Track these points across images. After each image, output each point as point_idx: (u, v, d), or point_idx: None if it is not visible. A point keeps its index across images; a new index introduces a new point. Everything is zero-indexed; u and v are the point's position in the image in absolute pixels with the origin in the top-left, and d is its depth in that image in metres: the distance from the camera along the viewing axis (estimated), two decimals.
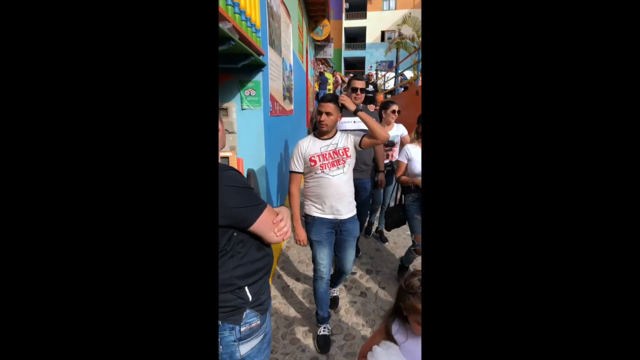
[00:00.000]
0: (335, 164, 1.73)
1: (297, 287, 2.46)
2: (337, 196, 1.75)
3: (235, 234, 0.93)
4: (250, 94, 2.35)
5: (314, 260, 1.86)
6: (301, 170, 1.80)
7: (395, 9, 24.25)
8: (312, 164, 1.73)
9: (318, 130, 1.78)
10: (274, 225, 0.96)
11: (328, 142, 1.76)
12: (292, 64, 3.97)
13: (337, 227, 1.83)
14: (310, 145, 1.77)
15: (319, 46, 8.98)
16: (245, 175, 2.27)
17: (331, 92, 13.19)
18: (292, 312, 2.20)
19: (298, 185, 1.85)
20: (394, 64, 13.40)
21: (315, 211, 1.80)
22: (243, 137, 2.38)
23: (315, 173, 1.75)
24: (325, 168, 1.73)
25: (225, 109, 2.28)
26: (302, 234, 1.82)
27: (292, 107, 4.04)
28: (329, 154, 1.74)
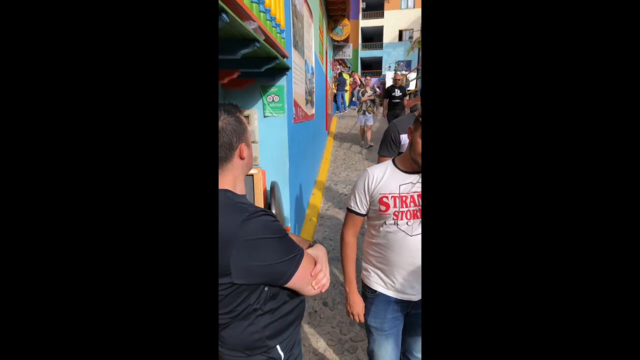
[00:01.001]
0: (418, 214, 1.10)
1: (326, 312, 2.25)
2: (414, 265, 1.13)
3: (266, 289, 0.76)
4: (273, 100, 2.17)
5: (371, 355, 1.29)
6: (364, 213, 1.19)
7: (414, 7, 23.76)
8: (384, 208, 1.11)
9: (404, 155, 1.16)
10: (312, 278, 0.80)
11: (414, 177, 1.11)
12: (313, 65, 3.78)
13: (409, 309, 1.22)
14: (386, 178, 1.13)
15: (337, 46, 8.77)
16: (268, 188, 2.09)
17: (348, 92, 13.03)
18: (321, 344, 2.00)
19: (356, 231, 1.25)
20: (416, 64, 12.99)
21: (378, 284, 1.20)
22: (265, 146, 2.20)
23: (385, 223, 1.13)
24: (402, 218, 1.10)
25: (247, 117, 2.10)
26: (359, 305, 1.23)
27: (313, 111, 3.84)
28: (412, 197, 1.10)
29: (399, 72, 7.24)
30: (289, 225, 2.33)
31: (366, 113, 6.37)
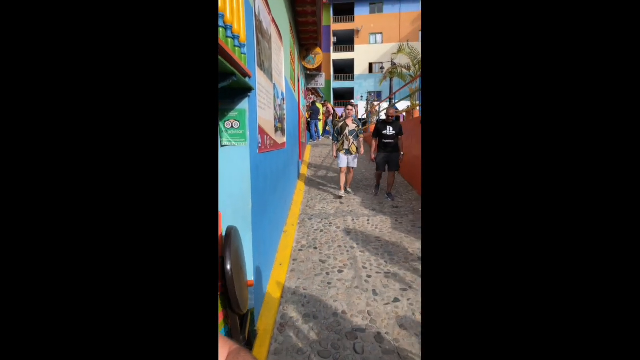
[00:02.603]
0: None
1: None
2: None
3: None
4: (232, 126, 1.80)
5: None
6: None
7: (382, 42, 25.01)
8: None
9: None
10: None
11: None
12: (284, 91, 3.49)
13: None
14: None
15: (310, 75, 8.70)
16: (224, 234, 1.65)
17: (321, 121, 13.01)
18: None
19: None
20: (387, 94, 13.32)
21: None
22: (223, 182, 1.79)
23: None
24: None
25: None
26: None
27: (284, 139, 3.50)
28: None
29: (393, 107, 5.58)
30: (252, 278, 1.88)
31: (349, 152, 4.81)
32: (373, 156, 4.88)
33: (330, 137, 5.22)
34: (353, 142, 4.83)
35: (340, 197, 4.82)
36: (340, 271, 2.78)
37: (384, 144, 4.74)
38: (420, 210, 3.95)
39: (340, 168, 4.90)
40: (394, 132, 4.70)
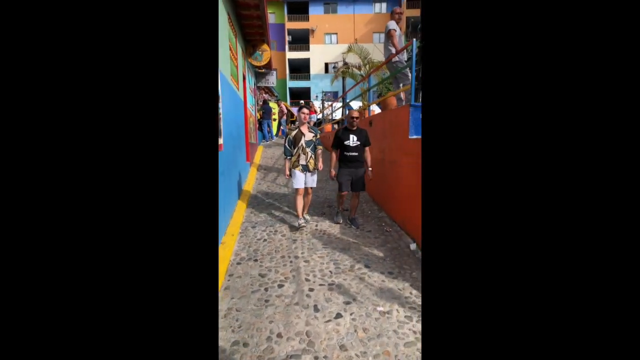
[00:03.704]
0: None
1: None
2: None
3: None
4: None
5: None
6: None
7: (337, 43, 25.19)
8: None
9: None
10: None
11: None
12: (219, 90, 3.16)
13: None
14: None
15: (260, 73, 8.34)
16: None
17: (276, 121, 12.67)
18: None
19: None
20: (340, 94, 13.34)
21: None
22: None
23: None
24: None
25: None
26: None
27: (220, 141, 3.18)
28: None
29: (354, 108, 4.75)
30: None
31: (307, 169, 3.67)
32: (333, 173, 3.77)
33: (283, 151, 3.88)
34: (311, 156, 3.68)
35: (298, 228, 3.67)
36: (280, 286, 2.53)
37: (347, 157, 3.67)
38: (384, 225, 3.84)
39: (297, 190, 3.66)
40: (359, 142, 3.68)
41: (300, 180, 3.64)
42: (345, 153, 3.71)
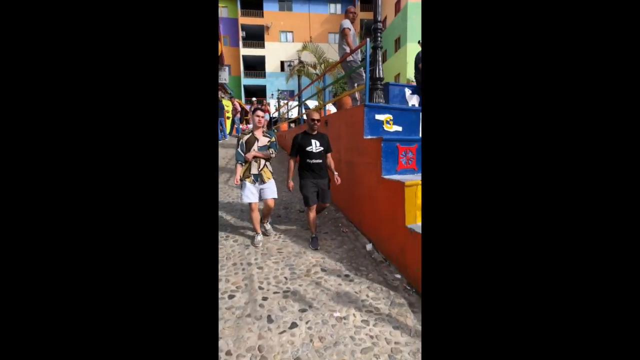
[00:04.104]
0: None
1: None
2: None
3: None
4: None
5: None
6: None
7: (293, 41, 24.99)
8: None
9: None
10: None
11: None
12: None
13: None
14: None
15: None
16: None
17: (230, 119, 12.17)
18: None
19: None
20: (296, 93, 13.22)
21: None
22: None
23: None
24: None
25: None
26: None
27: None
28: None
29: (310, 107, 4.27)
30: None
31: (261, 179, 3.21)
32: (291, 184, 3.26)
33: (235, 157, 3.25)
34: (266, 165, 3.24)
35: (257, 245, 3.21)
36: (231, 297, 2.36)
37: (311, 166, 3.16)
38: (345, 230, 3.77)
39: (250, 205, 3.18)
40: (322, 148, 3.20)
41: (251, 193, 3.15)
42: (308, 161, 3.16)
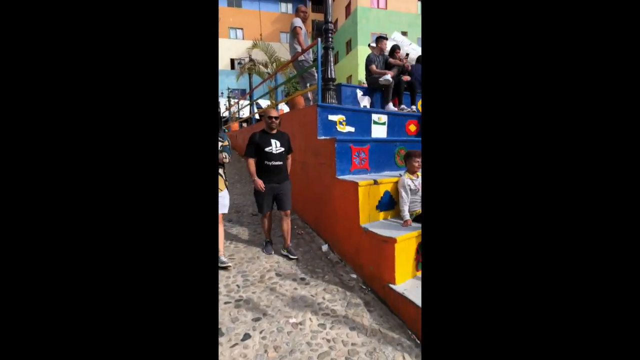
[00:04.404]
0: None
1: None
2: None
3: None
4: None
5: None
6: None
7: (243, 39, 24.34)
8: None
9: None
10: None
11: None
12: None
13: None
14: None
15: None
16: None
17: None
18: None
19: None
20: (247, 91, 12.84)
21: None
22: None
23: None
24: None
25: None
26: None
27: None
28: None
29: (262, 106, 3.95)
30: None
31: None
32: (259, 182, 2.86)
33: None
34: (219, 172, 2.75)
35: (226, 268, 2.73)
36: None
37: (270, 168, 2.83)
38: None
39: None
40: (283, 149, 2.89)
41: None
42: (266, 163, 2.82)
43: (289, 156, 3.03)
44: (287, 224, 3.00)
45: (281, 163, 2.89)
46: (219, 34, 23.73)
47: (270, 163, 2.84)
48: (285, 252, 3.01)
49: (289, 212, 3.00)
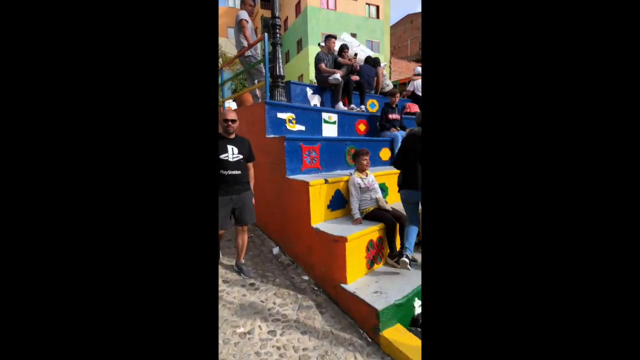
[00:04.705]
0: None
1: None
2: None
3: None
4: None
5: None
6: None
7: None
8: None
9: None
10: None
11: None
12: None
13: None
14: None
15: None
16: None
17: None
18: None
19: None
20: None
21: None
22: None
23: None
24: None
25: None
26: None
27: None
28: None
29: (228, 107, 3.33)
30: None
31: None
32: None
33: None
34: None
35: None
36: None
37: (226, 178, 2.47)
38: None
39: None
40: (241, 156, 2.55)
41: None
42: (222, 172, 2.45)
43: (250, 165, 2.65)
44: (242, 239, 2.66)
45: (239, 172, 2.51)
46: None
47: (227, 172, 2.45)
48: (236, 269, 2.71)
49: (246, 226, 2.66)
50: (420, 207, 2.58)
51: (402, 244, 2.50)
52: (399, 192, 2.61)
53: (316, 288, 2.49)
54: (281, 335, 1.94)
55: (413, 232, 2.43)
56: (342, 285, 2.24)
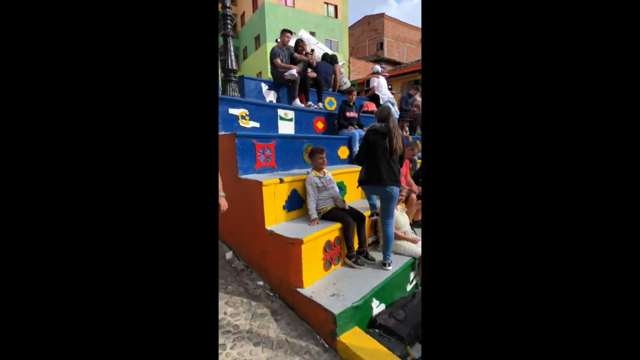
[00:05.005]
0: None
1: None
2: None
3: None
4: None
5: None
6: None
7: None
8: None
9: None
10: None
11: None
12: None
13: None
14: None
15: None
16: None
17: None
18: None
19: None
20: None
21: None
22: None
23: None
24: None
25: None
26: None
27: None
28: None
29: None
30: None
31: None
32: None
33: None
34: None
35: None
36: None
37: None
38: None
39: None
40: None
41: None
42: None
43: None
44: None
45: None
46: None
47: None
48: None
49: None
50: (378, 202, 2.57)
51: (361, 243, 2.46)
52: (359, 187, 2.56)
53: (271, 294, 2.36)
54: (231, 348, 1.79)
55: (389, 241, 2.45)
56: (299, 289, 2.13)
